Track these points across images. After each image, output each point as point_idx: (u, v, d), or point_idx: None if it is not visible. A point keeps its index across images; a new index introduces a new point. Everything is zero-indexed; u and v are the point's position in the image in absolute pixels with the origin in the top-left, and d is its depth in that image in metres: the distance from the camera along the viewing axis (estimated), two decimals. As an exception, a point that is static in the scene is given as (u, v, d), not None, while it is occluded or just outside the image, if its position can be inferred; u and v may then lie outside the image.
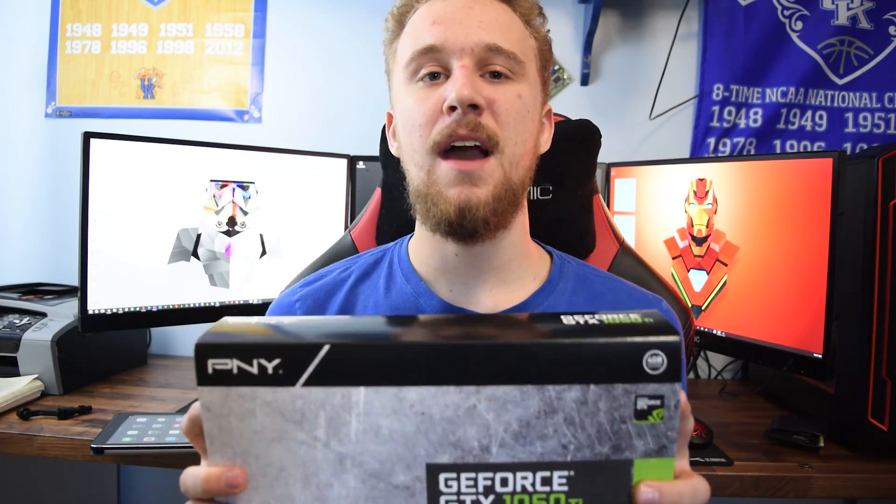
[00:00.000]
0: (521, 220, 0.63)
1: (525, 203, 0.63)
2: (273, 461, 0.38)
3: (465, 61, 0.55)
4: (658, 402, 0.35)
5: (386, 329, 0.40)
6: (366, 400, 0.36)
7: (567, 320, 0.39)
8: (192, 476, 0.39)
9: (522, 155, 0.58)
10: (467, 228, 0.55)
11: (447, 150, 0.55)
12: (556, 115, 0.87)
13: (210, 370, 0.36)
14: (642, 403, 0.36)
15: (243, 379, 0.36)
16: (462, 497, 0.37)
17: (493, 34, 0.56)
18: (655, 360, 0.35)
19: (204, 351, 0.36)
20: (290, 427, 0.37)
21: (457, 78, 0.54)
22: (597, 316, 0.39)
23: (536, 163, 0.63)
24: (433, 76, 0.57)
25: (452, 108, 0.54)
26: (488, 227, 0.56)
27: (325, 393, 0.36)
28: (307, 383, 0.36)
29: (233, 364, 0.36)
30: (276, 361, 0.36)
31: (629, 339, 0.35)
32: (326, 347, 0.36)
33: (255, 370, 0.36)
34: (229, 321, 0.40)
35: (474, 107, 0.54)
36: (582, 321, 0.38)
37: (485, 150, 0.55)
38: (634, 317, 0.38)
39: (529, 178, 0.61)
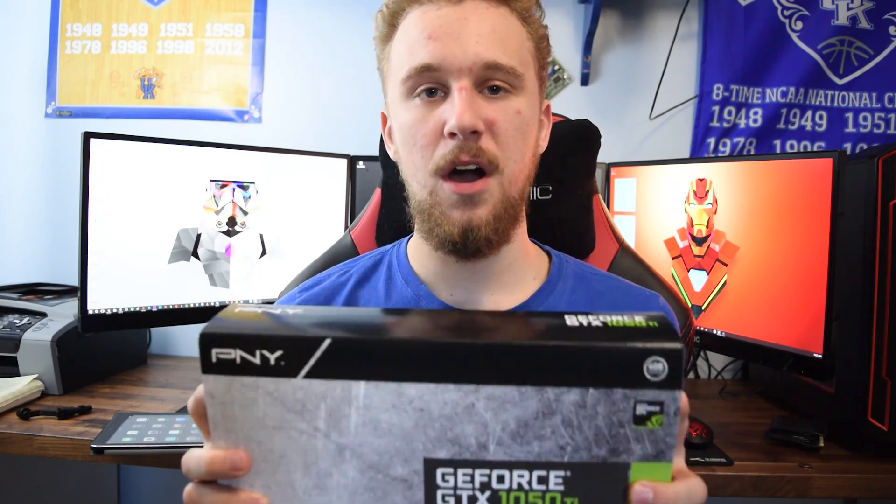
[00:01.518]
0: (521, 226, 0.63)
1: (523, 211, 0.63)
2: (275, 448, 0.38)
3: (463, 82, 0.54)
4: (657, 409, 0.35)
5: (388, 323, 0.41)
6: (366, 394, 0.37)
7: (570, 321, 0.38)
8: (196, 458, 0.39)
9: (521, 170, 0.58)
10: (470, 248, 0.56)
11: (449, 172, 0.56)
12: (556, 115, 0.87)
13: (214, 359, 0.37)
14: (641, 409, 0.35)
15: (246, 369, 0.37)
16: (458, 492, 0.38)
17: (491, 49, 0.54)
18: (656, 367, 0.35)
19: (208, 340, 0.37)
20: (292, 417, 0.38)
21: (456, 103, 0.54)
22: (600, 317, 0.39)
23: (537, 166, 0.63)
24: (430, 92, 0.56)
25: (453, 134, 0.54)
26: (491, 246, 0.57)
27: (326, 386, 0.37)
28: (308, 375, 0.37)
29: (236, 354, 0.37)
30: (279, 353, 0.36)
31: (630, 345, 0.35)
32: (327, 342, 0.36)
33: (257, 361, 0.37)
34: (236, 308, 0.41)
35: (475, 132, 0.54)
36: (585, 322, 0.38)
37: (484, 171, 0.56)
38: (639, 319, 0.38)
39: (529, 184, 0.62)
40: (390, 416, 0.37)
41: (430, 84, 0.56)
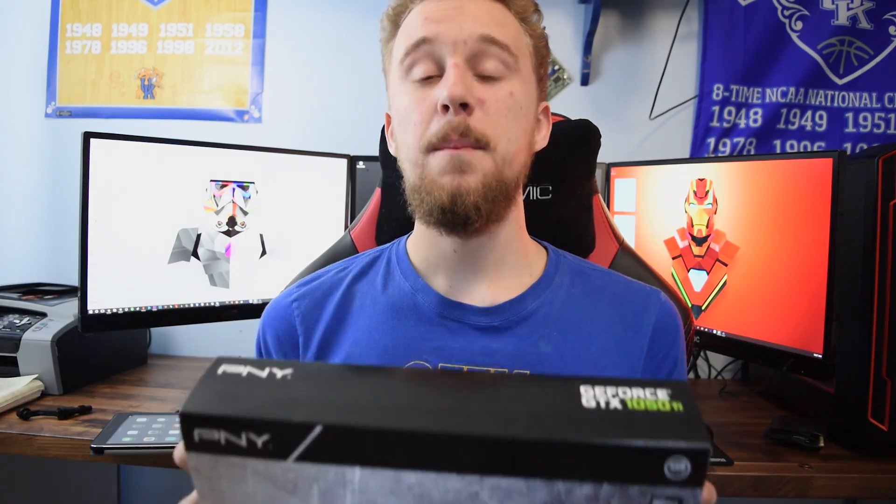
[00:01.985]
0: (516, 216, 0.64)
1: (520, 199, 0.64)
2: None
3: (457, 58, 0.56)
4: None
5: (384, 399, 0.37)
6: (361, 479, 0.34)
7: (586, 395, 0.35)
8: None
9: (516, 152, 0.59)
10: (459, 215, 0.56)
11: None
12: (556, 115, 0.87)
13: (197, 439, 0.35)
14: (659, 503, 0.33)
15: (232, 449, 0.35)
16: None
17: (487, 26, 0.57)
18: (678, 466, 0.32)
19: (190, 421, 0.35)
20: (283, 494, 0.36)
21: (449, 76, 0.55)
22: (619, 393, 0.35)
23: (532, 160, 0.64)
24: (428, 78, 0.58)
25: (445, 107, 0.55)
26: (480, 215, 0.56)
27: (318, 469, 0.35)
28: (299, 459, 0.35)
29: (220, 436, 0.35)
30: (266, 437, 0.34)
31: (651, 444, 0.32)
32: (318, 429, 0.34)
33: (243, 443, 0.35)
34: (220, 368, 0.38)
35: (465, 105, 0.55)
36: (603, 400, 0.35)
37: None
38: (662, 397, 0.35)
39: (524, 174, 0.62)
40: (388, 499, 0.35)
41: (426, 61, 0.57)
